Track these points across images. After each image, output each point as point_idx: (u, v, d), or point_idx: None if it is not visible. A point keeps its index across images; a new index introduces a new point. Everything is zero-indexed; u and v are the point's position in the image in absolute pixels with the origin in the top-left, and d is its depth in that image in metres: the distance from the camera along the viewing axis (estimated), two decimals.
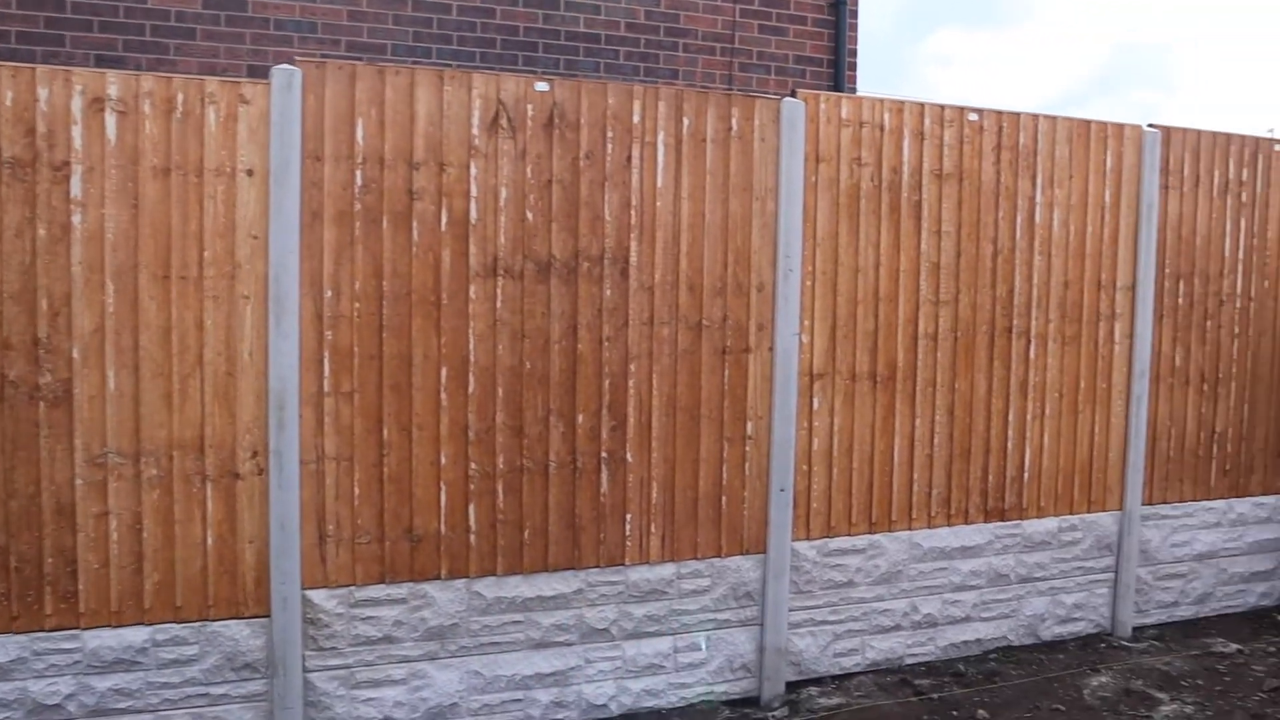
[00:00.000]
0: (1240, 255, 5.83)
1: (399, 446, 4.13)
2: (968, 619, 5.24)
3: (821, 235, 4.73)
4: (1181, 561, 5.82)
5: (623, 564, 4.50)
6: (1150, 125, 5.51)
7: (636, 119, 4.40)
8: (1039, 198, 5.18)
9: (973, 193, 5.03)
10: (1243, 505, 5.98)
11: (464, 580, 4.26)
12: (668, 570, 4.57)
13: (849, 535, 4.91)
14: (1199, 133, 5.66)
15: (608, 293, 4.39)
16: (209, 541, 3.92)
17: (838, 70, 7.45)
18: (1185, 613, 5.89)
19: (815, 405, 4.77)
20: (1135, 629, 5.69)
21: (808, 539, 4.83)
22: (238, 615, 3.98)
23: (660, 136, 4.43)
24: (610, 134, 4.36)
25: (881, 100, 4.85)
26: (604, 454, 4.43)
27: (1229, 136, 5.76)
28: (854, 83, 7.61)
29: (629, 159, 4.39)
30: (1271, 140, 5.91)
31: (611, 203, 4.38)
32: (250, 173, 3.89)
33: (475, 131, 4.17)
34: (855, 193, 4.79)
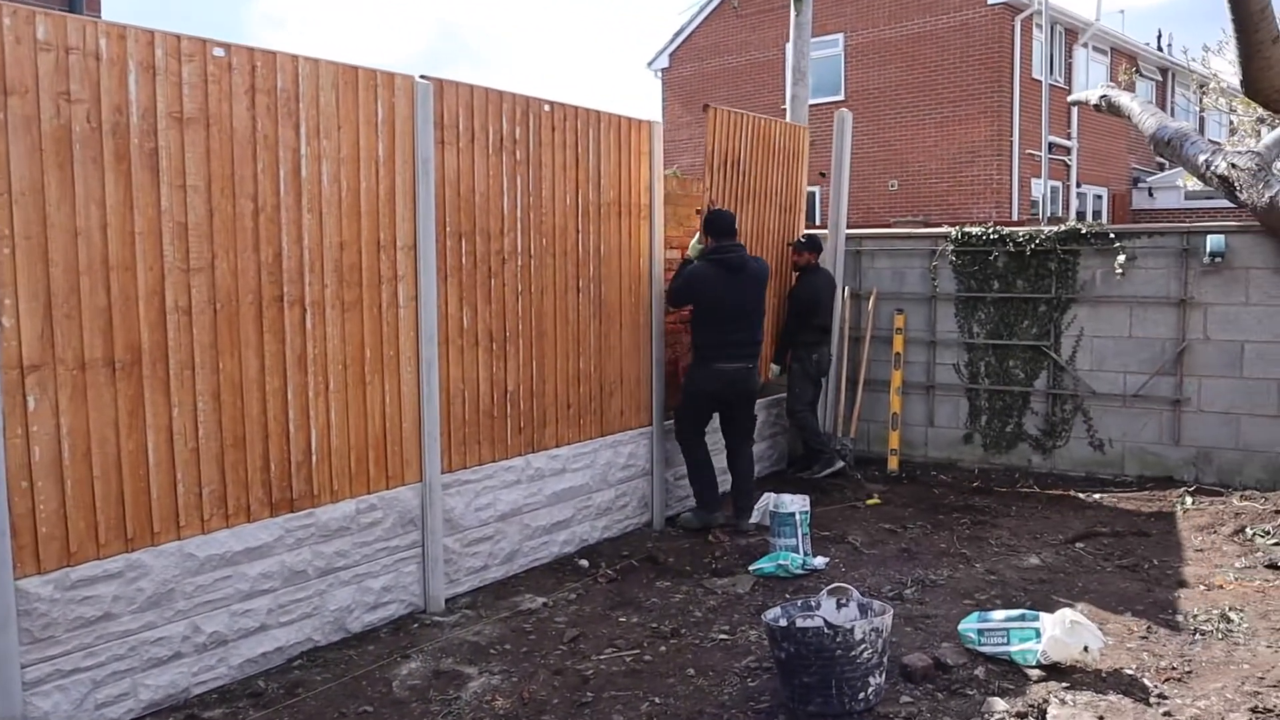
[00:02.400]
0: (519, 213, 5.84)
1: None
2: (264, 628, 4.61)
3: (22, 189, 3.70)
4: (487, 524, 5.75)
5: None
6: (422, 77, 5.24)
7: None
8: (305, 149, 4.64)
9: (225, 141, 4.32)
10: (539, 460, 6.07)
11: None
12: None
13: (99, 559, 3.99)
14: (472, 88, 5.53)
15: None
16: None
17: None
18: (496, 574, 5.84)
19: (32, 405, 3.75)
20: (449, 600, 5.50)
21: (40, 573, 3.82)
22: None
23: None
24: None
25: (96, 22, 3.92)
26: None
27: (501, 94, 5.72)
28: (98, 9, 6.35)
29: None
30: (540, 100, 6.00)
31: None
32: None
33: None
34: (66, 136, 3.82)
